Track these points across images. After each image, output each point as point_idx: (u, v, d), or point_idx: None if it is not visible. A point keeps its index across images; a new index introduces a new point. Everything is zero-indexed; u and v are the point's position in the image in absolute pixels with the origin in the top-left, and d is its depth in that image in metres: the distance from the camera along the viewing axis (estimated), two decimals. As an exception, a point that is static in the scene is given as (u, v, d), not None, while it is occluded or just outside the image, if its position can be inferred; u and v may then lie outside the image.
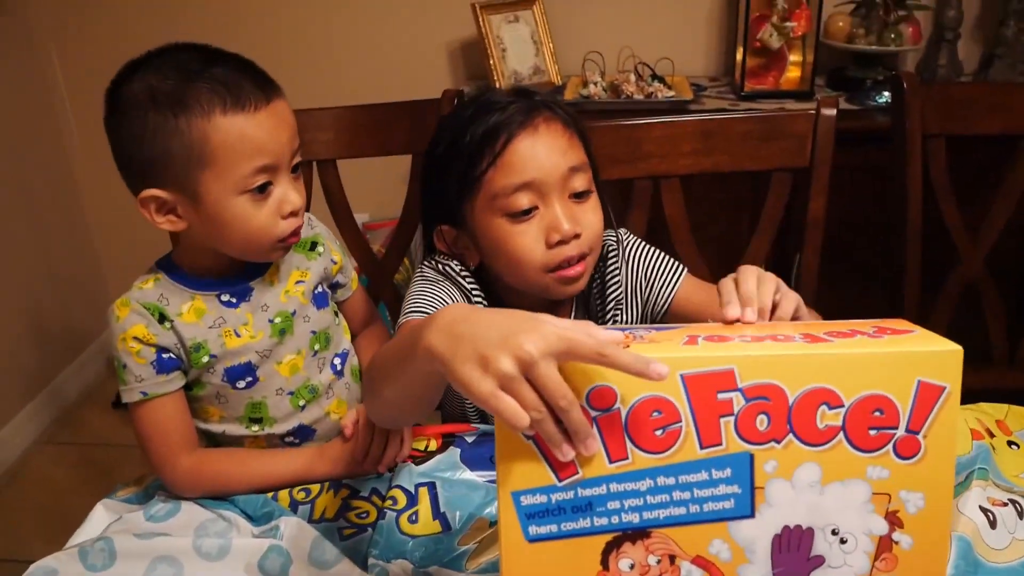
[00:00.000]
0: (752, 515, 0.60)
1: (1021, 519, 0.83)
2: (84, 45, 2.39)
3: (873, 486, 0.60)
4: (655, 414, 0.58)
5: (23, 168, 2.33)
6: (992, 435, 0.95)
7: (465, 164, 0.93)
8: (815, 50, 2.01)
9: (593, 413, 0.58)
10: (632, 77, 2.03)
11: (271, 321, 0.99)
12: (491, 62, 2.04)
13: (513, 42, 2.09)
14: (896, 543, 0.61)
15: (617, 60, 2.12)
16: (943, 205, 1.37)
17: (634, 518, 0.60)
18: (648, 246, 1.08)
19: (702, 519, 0.60)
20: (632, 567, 0.60)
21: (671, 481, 0.59)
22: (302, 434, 1.03)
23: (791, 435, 0.59)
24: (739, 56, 2.04)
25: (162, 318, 0.95)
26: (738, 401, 0.58)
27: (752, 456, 0.59)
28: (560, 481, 0.59)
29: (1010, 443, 0.95)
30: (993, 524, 0.80)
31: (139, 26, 2.32)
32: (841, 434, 0.59)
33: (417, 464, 0.93)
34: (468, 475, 0.92)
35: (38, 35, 2.37)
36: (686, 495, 0.59)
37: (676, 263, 1.07)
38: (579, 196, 0.94)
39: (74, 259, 2.58)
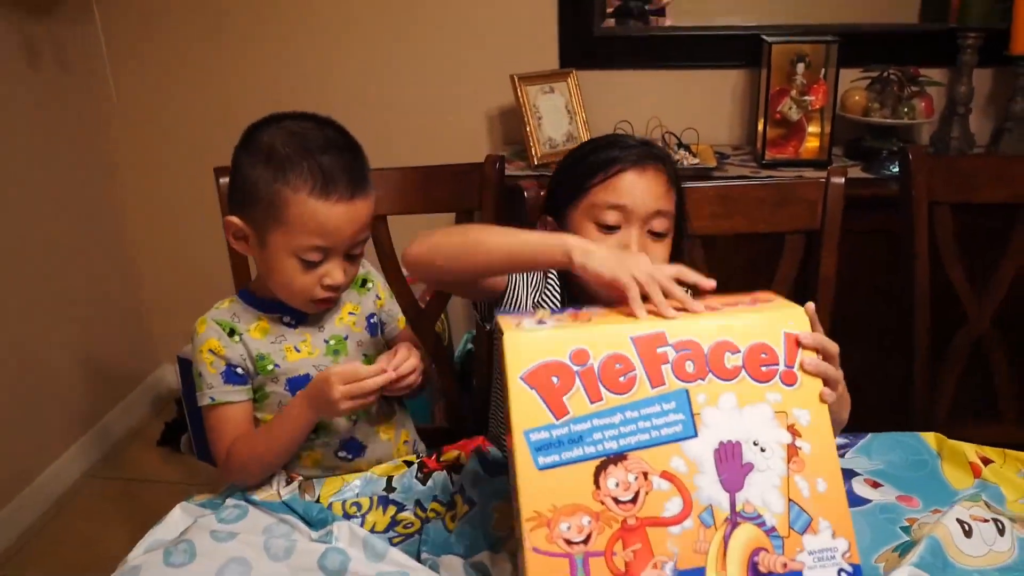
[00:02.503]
0: (696, 435, 0.78)
1: (1001, 536, 0.92)
2: (138, 103, 2.55)
3: (773, 407, 0.80)
4: (617, 366, 0.79)
5: (77, 219, 2.46)
6: (990, 461, 1.04)
7: (582, 175, 1.12)
8: (832, 122, 2.13)
9: (575, 368, 0.78)
10: (660, 145, 2.16)
11: (326, 341, 1.14)
12: (527, 129, 2.18)
13: (548, 111, 2.21)
14: (799, 448, 0.80)
15: (646, 129, 2.25)
16: (948, 268, 1.47)
17: (613, 445, 0.77)
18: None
19: (661, 441, 0.78)
20: (617, 484, 0.76)
21: (635, 414, 0.78)
22: (354, 448, 1.16)
23: (710, 374, 0.80)
24: (760, 127, 2.16)
25: (232, 332, 1.09)
26: (670, 353, 0.80)
27: (687, 391, 0.79)
28: (556, 420, 0.77)
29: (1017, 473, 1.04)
30: (968, 534, 0.91)
31: (196, 83, 2.51)
32: (743, 371, 0.80)
33: (453, 473, 1.06)
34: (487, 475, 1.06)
35: (97, 91, 2.53)
36: (647, 424, 0.78)
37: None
38: (656, 236, 1.12)
39: (123, 306, 2.71)
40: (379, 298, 1.23)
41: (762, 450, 0.79)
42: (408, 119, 2.43)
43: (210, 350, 1.09)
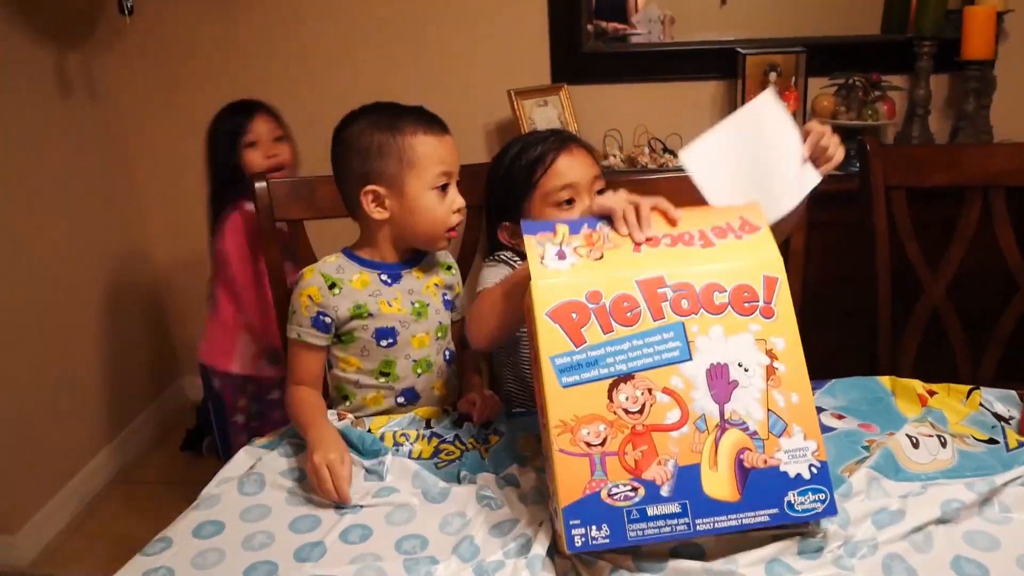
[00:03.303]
0: (691, 358, 0.94)
1: (944, 447, 1.09)
2: (160, 131, 2.71)
3: (754, 335, 0.96)
4: (625, 303, 0.95)
5: (104, 233, 2.60)
6: (934, 393, 1.22)
7: (524, 175, 1.33)
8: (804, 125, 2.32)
9: (590, 306, 0.94)
10: (646, 150, 2.35)
11: (412, 303, 1.33)
12: (523, 139, 2.35)
13: (543, 122, 2.39)
14: (776, 369, 0.95)
15: (633, 136, 2.44)
16: (906, 244, 1.64)
17: (623, 367, 0.93)
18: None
19: (662, 364, 0.94)
20: (626, 398, 0.92)
21: (640, 342, 0.94)
22: (410, 396, 1.35)
23: (702, 309, 0.95)
24: (738, 131, 2.35)
25: (332, 286, 1.29)
26: (669, 293, 0.96)
27: (683, 323, 0.95)
28: (576, 347, 0.92)
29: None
30: (916, 446, 1.08)
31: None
32: (729, 307, 0.96)
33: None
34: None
35: (120, 121, 2.69)
36: (650, 350, 0.94)
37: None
38: (600, 194, 1.30)
39: (147, 320, 2.85)
40: (458, 283, 1.45)
41: (745, 370, 0.94)
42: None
43: (309, 296, 1.28)
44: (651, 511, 0.90)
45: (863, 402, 1.25)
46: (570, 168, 1.31)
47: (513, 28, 2.53)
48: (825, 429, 1.17)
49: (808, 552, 0.93)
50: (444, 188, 1.28)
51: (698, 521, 0.91)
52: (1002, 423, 1.17)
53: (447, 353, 1.39)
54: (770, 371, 0.95)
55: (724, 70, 2.46)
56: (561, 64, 2.53)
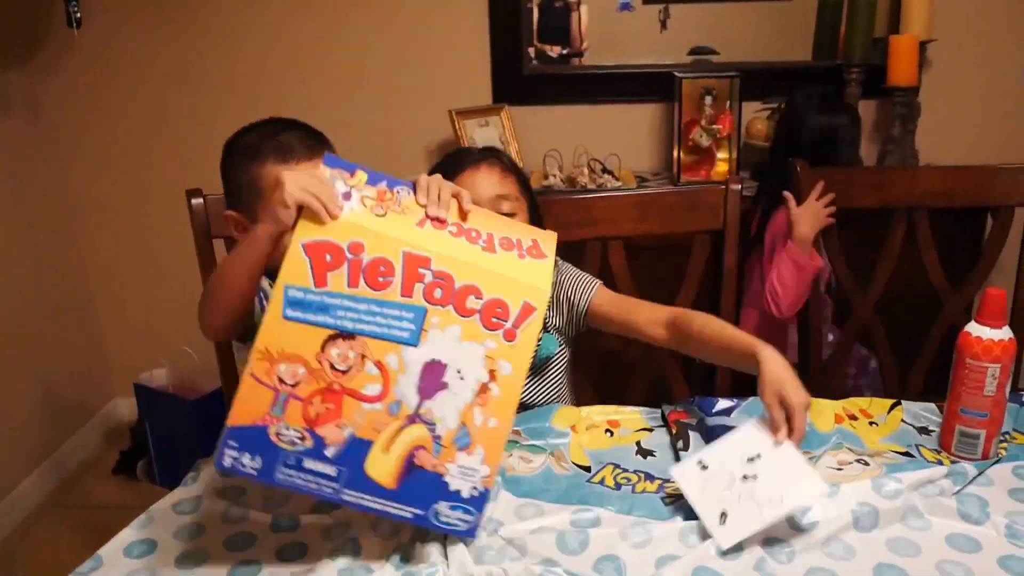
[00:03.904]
0: (417, 345, 0.93)
1: (868, 466, 1.12)
2: (100, 144, 2.68)
3: (487, 351, 0.94)
4: (381, 268, 0.92)
5: (35, 252, 2.54)
6: (855, 418, 1.25)
7: None
8: (738, 148, 2.39)
9: (348, 256, 0.91)
10: (585, 170, 2.38)
11: None
12: (465, 158, 2.37)
13: (484, 142, 2.40)
14: (489, 389, 0.94)
15: (573, 156, 2.47)
16: (834, 263, 1.70)
17: (349, 324, 0.91)
18: (574, 268, 1.47)
19: (388, 338, 0.92)
20: (338, 354, 0.91)
21: (377, 309, 0.92)
22: None
23: (451, 306, 0.93)
24: (675, 153, 2.41)
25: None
26: (428, 276, 0.93)
27: (426, 310, 0.93)
28: (315, 288, 0.91)
29: (871, 423, 1.25)
30: (840, 470, 1.11)
31: (155, 123, 2.65)
32: (477, 315, 0.93)
33: None
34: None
35: (63, 129, 2.64)
36: (383, 320, 0.92)
37: (592, 278, 1.44)
38: (508, 216, 1.30)
39: (80, 342, 2.78)
40: None
41: (461, 378, 0.94)
42: (353, 153, 2.55)
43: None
44: (308, 464, 0.92)
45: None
46: (473, 183, 1.33)
47: (455, 49, 2.55)
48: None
49: (730, 554, 0.95)
50: None
51: (347, 491, 0.93)
52: (922, 435, 1.22)
53: None
54: (483, 389, 0.94)
55: (661, 93, 2.52)
56: (502, 85, 2.56)
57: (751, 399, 1.21)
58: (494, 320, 0.93)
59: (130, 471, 2.61)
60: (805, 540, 0.97)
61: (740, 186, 1.53)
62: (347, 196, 0.94)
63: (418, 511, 0.95)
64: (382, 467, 0.93)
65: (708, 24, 2.58)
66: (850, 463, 1.13)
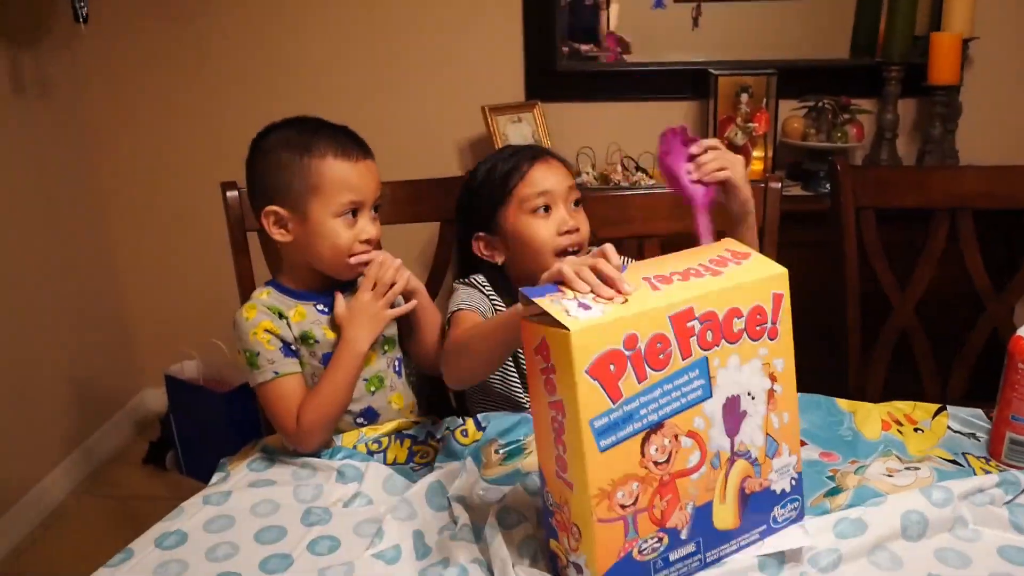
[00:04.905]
0: (711, 396, 0.90)
1: (919, 470, 1.09)
2: (124, 130, 2.69)
3: (762, 360, 0.93)
4: (658, 344, 0.86)
5: (65, 241, 2.55)
6: (901, 424, 1.22)
7: (500, 183, 1.33)
8: (774, 146, 2.36)
9: (627, 353, 0.85)
10: (619, 168, 2.36)
11: None
12: (497, 154, 2.36)
13: (516, 138, 2.39)
14: (775, 392, 0.94)
15: (606, 153, 2.45)
16: (875, 263, 1.66)
17: (654, 417, 0.87)
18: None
19: (687, 406, 0.88)
20: (656, 449, 0.87)
21: (670, 386, 0.87)
22: (369, 414, 1.31)
23: (723, 340, 0.90)
24: (710, 151, 2.37)
25: (280, 315, 1.25)
26: (696, 326, 0.88)
27: (707, 358, 0.89)
28: (613, 404, 0.84)
29: (916, 429, 1.22)
30: (892, 476, 1.08)
31: (181, 110, 2.66)
32: (745, 334, 0.91)
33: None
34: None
35: (88, 122, 2.66)
36: (678, 393, 0.88)
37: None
38: (576, 205, 1.35)
39: (110, 332, 2.80)
40: None
41: (752, 398, 0.93)
42: (387, 149, 2.57)
43: (265, 330, 1.23)
44: (672, 556, 0.90)
45: (822, 427, 1.24)
46: (545, 177, 1.32)
47: (488, 46, 2.54)
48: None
49: (770, 568, 0.93)
50: (355, 215, 1.25)
51: (708, 554, 0.92)
52: (970, 439, 1.19)
53: (396, 363, 1.36)
54: (770, 395, 0.94)
55: (696, 90, 2.49)
56: (535, 82, 2.54)
57: None
58: (757, 328, 0.92)
59: (159, 461, 2.63)
60: (851, 548, 0.95)
61: (780, 184, 1.51)
62: (584, 307, 0.86)
63: (762, 528, 0.95)
64: (726, 515, 0.93)
65: (741, 22, 2.54)
66: (899, 471, 1.10)
